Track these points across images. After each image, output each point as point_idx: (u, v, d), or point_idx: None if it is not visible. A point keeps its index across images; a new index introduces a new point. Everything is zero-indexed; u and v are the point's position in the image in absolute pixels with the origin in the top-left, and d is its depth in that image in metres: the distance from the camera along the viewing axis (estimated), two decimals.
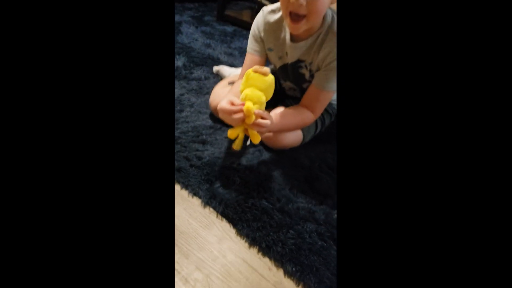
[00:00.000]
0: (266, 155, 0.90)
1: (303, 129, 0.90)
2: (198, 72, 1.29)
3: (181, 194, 0.75)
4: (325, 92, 0.83)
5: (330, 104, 0.98)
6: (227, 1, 2.13)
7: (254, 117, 0.69)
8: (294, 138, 0.90)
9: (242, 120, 0.71)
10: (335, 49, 0.78)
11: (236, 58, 1.51)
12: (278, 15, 0.84)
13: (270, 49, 0.89)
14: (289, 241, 0.66)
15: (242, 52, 1.59)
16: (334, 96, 0.91)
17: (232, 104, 0.70)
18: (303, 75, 0.88)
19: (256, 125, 0.71)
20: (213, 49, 1.57)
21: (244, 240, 0.67)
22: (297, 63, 0.86)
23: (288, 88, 1.00)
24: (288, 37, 0.83)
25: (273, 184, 0.80)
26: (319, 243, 0.66)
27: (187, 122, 0.98)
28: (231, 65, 1.36)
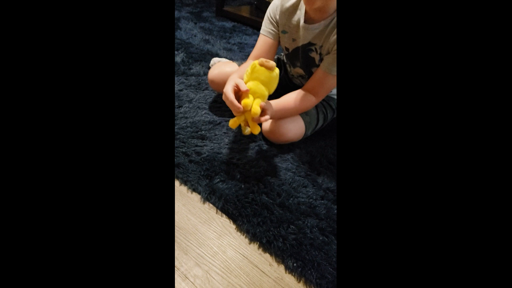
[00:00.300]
0: (266, 150, 0.89)
1: (305, 122, 0.90)
2: (196, 68, 1.28)
3: (180, 190, 0.74)
4: (331, 77, 0.84)
5: (334, 100, 0.97)
6: None
7: (256, 111, 0.69)
8: (296, 131, 0.89)
9: (242, 111, 0.70)
10: None
11: (236, 54, 1.49)
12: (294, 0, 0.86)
13: (284, 31, 0.90)
14: (290, 236, 0.65)
15: (242, 48, 1.57)
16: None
17: (237, 88, 0.71)
18: (313, 58, 0.89)
19: (255, 120, 0.72)
20: (212, 44, 1.56)
21: (244, 236, 0.66)
22: (308, 46, 0.87)
23: (297, 75, 1.01)
24: (302, 19, 0.84)
25: (273, 179, 0.79)
26: (320, 238, 0.65)
27: (186, 118, 0.97)
28: (231, 60, 1.35)
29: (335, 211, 0.72)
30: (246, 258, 0.62)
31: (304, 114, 0.90)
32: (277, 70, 0.73)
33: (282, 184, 0.78)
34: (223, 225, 0.68)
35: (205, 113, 1.01)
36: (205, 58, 1.38)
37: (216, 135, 0.92)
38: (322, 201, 0.74)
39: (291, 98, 0.86)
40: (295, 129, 0.88)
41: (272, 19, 0.90)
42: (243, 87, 0.70)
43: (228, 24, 1.89)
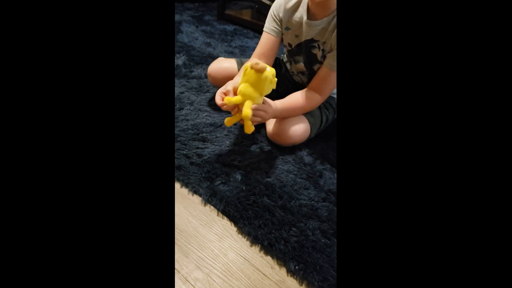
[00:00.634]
0: (267, 152, 0.88)
1: (310, 123, 0.90)
2: (198, 71, 1.29)
3: (181, 192, 0.74)
4: (335, 74, 0.84)
5: (334, 99, 0.97)
6: (227, 1, 2.13)
7: (246, 113, 0.71)
8: (302, 133, 0.88)
9: (227, 108, 0.75)
10: None
11: (237, 57, 1.48)
12: None
13: (287, 28, 0.91)
14: (292, 239, 0.64)
15: (243, 51, 1.58)
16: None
17: (225, 94, 0.77)
18: (315, 55, 0.90)
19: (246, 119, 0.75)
20: (214, 48, 1.56)
21: (245, 238, 0.65)
22: (311, 42, 0.88)
23: (297, 72, 1.01)
24: (305, 15, 0.85)
25: (275, 181, 0.78)
26: (323, 240, 0.65)
27: (187, 120, 0.97)
28: None
29: None
30: (248, 261, 0.61)
31: (309, 116, 0.90)
32: (269, 72, 0.72)
33: (283, 186, 0.77)
34: (224, 227, 0.67)
35: (206, 115, 1.00)
36: (206, 61, 1.38)
37: (217, 137, 0.91)
38: (324, 203, 0.74)
39: (297, 97, 0.87)
40: (300, 131, 0.88)
41: (276, 17, 0.91)
42: (231, 92, 0.77)
43: (230, 28, 1.89)
